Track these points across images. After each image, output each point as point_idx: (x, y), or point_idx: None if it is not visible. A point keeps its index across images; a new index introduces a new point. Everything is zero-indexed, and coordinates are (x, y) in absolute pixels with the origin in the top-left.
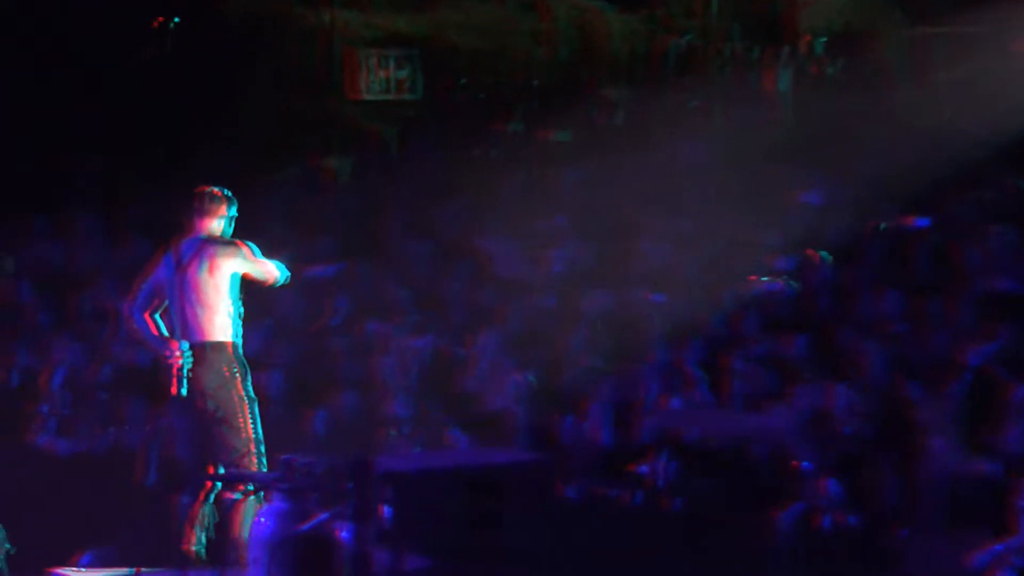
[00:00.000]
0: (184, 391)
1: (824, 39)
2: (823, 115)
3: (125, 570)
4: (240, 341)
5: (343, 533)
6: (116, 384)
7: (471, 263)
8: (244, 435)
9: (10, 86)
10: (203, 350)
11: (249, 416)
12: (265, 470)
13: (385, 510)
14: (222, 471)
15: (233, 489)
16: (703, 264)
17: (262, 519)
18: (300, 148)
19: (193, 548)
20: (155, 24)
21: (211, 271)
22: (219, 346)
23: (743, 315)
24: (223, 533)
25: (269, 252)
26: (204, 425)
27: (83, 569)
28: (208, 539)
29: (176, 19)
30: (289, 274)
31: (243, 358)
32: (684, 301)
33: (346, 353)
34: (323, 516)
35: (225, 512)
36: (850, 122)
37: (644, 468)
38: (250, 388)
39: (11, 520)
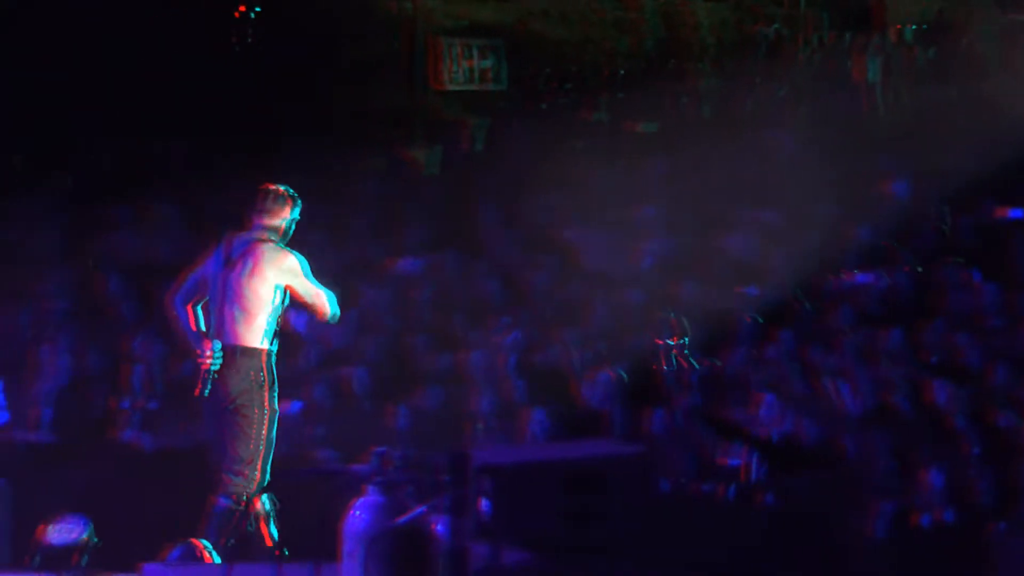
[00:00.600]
0: (207, 392)
1: (914, 27)
2: (913, 105)
3: (216, 564)
4: (274, 350)
5: (439, 527)
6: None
7: (559, 255)
8: (252, 445)
9: (94, 79)
10: (234, 354)
11: (265, 427)
12: (266, 483)
13: (483, 503)
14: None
15: (228, 497)
16: (794, 256)
17: (357, 512)
18: (384, 139)
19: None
20: (236, 13)
21: (254, 275)
22: (251, 352)
23: (835, 308)
24: (210, 533)
25: (355, 245)
26: (220, 425)
27: (174, 562)
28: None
29: (257, 8)
30: (339, 312)
31: (274, 368)
32: (776, 293)
33: (431, 347)
34: (419, 510)
35: (215, 513)
36: (941, 112)
37: (736, 462)
38: (275, 400)
39: (98, 515)
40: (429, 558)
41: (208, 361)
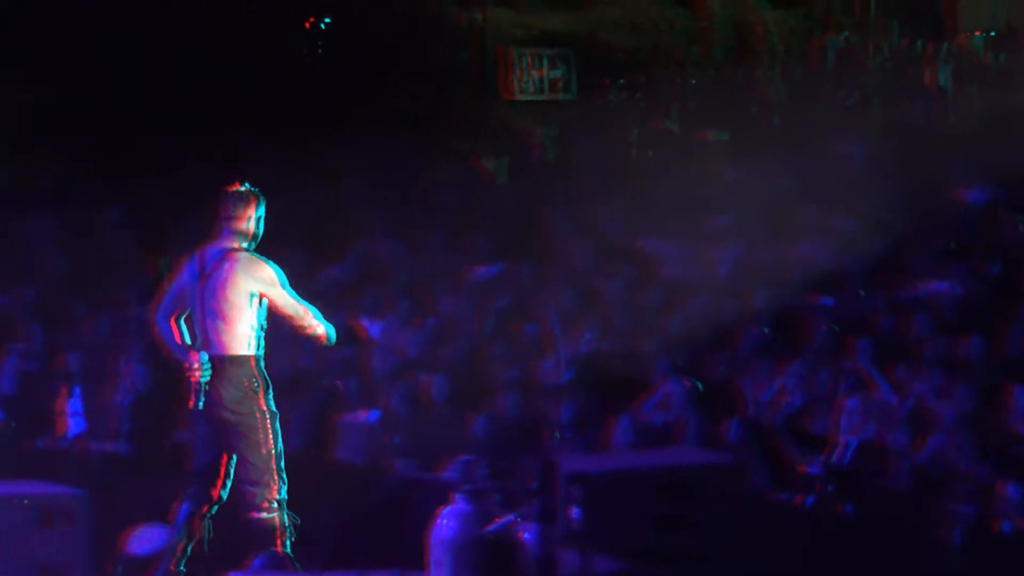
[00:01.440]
0: (201, 404)
1: (984, 34)
2: (985, 111)
3: (300, 572)
4: (261, 354)
5: (527, 535)
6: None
7: (634, 264)
8: (264, 450)
9: (166, 92)
10: (222, 363)
11: (270, 430)
12: (285, 485)
13: (574, 512)
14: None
15: (259, 509)
16: (868, 264)
17: (445, 520)
18: (453, 148)
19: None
20: (307, 24)
21: (228, 285)
22: (238, 360)
23: (913, 316)
24: (254, 550)
25: (431, 254)
26: (223, 439)
27: (257, 571)
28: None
29: (327, 19)
30: (334, 334)
31: (264, 372)
32: (851, 302)
33: (507, 355)
34: (508, 518)
35: (253, 530)
36: (1013, 118)
37: (815, 470)
38: (271, 402)
39: None
40: (517, 566)
41: (197, 373)
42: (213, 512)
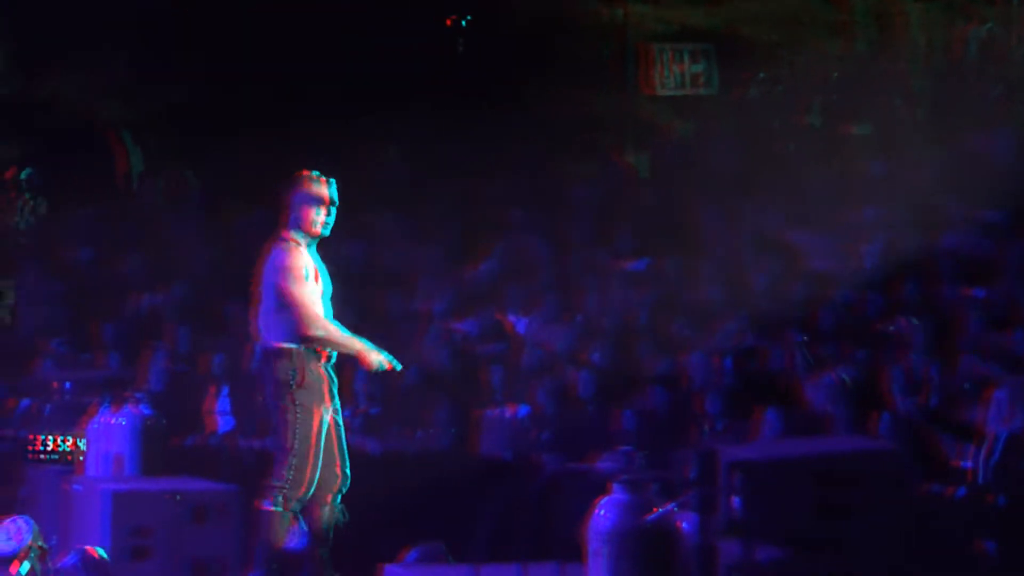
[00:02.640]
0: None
1: None
2: None
3: (461, 566)
4: (311, 350)
5: (685, 524)
6: (423, 385)
7: (781, 257)
8: (288, 445)
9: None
10: (265, 355)
11: (298, 428)
12: (309, 489)
13: (735, 500)
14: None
15: (264, 499)
16: (1019, 256)
17: (603, 511)
18: (596, 144)
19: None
20: (448, 22)
21: (259, 276)
22: (277, 352)
23: None
24: (259, 541)
25: (575, 250)
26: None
27: (413, 563)
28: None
29: (468, 17)
30: (315, 334)
31: (312, 367)
32: (1002, 294)
33: (654, 350)
34: (667, 507)
35: (257, 518)
36: None
37: (968, 464)
38: (312, 401)
39: None
40: (677, 556)
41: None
42: (338, 498)
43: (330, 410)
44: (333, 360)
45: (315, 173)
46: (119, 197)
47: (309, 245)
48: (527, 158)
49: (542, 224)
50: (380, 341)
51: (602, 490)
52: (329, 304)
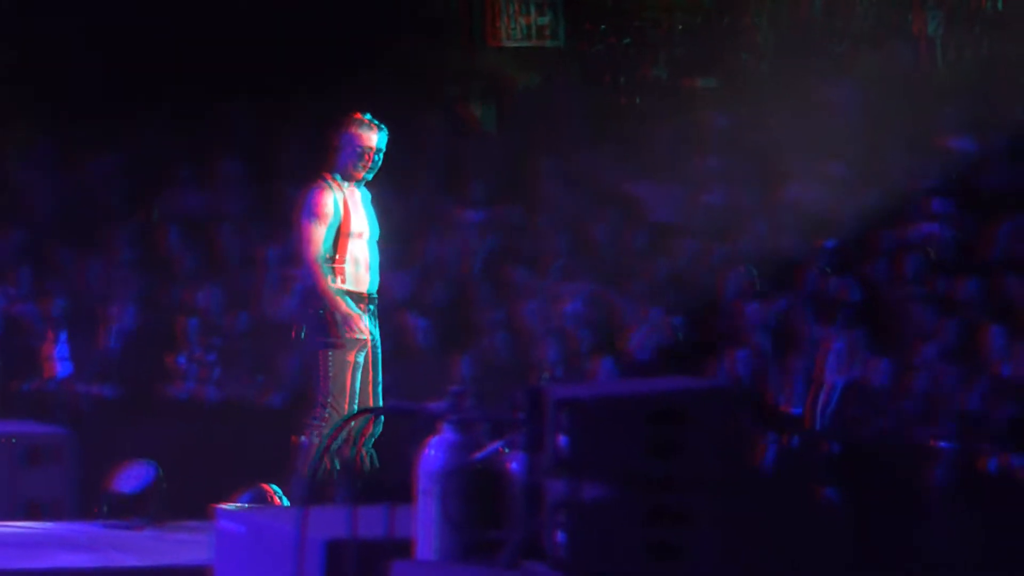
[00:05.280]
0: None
1: None
2: (976, 58)
3: (289, 507)
4: (342, 288)
5: (513, 464)
6: (260, 333)
7: (621, 209)
8: (321, 380)
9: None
10: (300, 294)
11: (327, 364)
12: (335, 417)
13: (561, 439)
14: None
15: (302, 431)
16: (859, 208)
17: (432, 451)
18: (442, 95)
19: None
20: None
21: (293, 216)
22: (307, 291)
23: (904, 258)
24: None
25: (419, 199)
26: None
27: (246, 505)
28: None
29: None
30: (312, 284)
31: (340, 307)
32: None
33: (493, 298)
34: (494, 446)
35: (298, 454)
36: (1005, 64)
37: (798, 410)
38: (343, 338)
39: (165, 466)
40: (505, 494)
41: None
42: (371, 442)
43: (366, 348)
44: (375, 299)
45: (367, 116)
46: None
47: (357, 186)
48: (373, 109)
49: (391, 173)
50: (223, 285)
51: (432, 431)
52: (375, 248)
